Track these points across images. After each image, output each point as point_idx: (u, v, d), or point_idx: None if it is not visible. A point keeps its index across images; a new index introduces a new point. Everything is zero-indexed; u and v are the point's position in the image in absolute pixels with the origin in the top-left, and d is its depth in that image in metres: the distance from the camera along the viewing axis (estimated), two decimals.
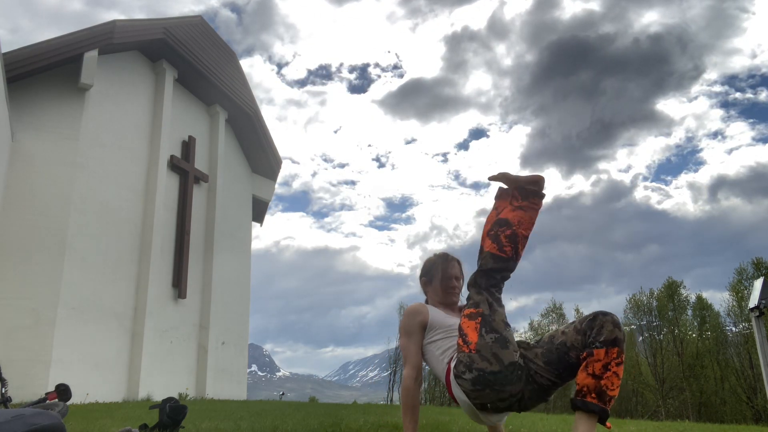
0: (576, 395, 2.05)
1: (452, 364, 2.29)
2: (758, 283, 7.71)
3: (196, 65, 14.65)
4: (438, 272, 2.66)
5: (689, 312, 33.75)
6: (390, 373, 43.51)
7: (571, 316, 38.73)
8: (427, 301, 2.72)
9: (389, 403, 34.76)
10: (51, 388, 7.54)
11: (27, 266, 10.51)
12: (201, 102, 16.08)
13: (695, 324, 33.44)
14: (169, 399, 3.99)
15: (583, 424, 1.99)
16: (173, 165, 14.17)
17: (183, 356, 13.66)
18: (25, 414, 1.52)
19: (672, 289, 33.64)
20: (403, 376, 2.48)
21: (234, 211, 17.12)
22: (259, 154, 18.32)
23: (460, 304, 2.69)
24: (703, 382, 30.67)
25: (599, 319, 2.09)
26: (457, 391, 2.22)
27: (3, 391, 4.97)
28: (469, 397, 2.17)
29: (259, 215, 19.35)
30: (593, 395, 2.00)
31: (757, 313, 7.51)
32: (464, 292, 2.61)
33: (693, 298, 34.09)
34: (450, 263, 2.68)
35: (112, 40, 12.01)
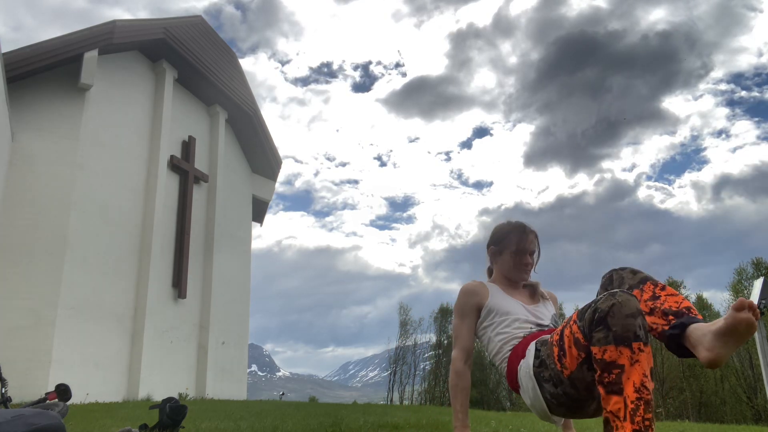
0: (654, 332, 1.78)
1: (527, 360, 2.02)
2: (758, 283, 7.71)
3: (196, 65, 14.65)
4: (511, 244, 2.37)
5: None
6: (390, 373, 43.56)
7: None
8: (490, 271, 2.48)
9: (389, 403, 34.77)
10: (51, 388, 7.53)
11: (27, 266, 10.51)
12: (201, 102, 16.09)
13: None
14: (169, 399, 3.99)
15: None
16: (173, 165, 14.17)
17: (183, 356, 13.67)
18: (25, 414, 1.52)
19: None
20: (452, 357, 2.31)
21: (234, 211, 17.13)
22: (259, 154, 18.33)
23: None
24: (703, 382, 30.69)
25: (614, 275, 1.94)
26: (530, 390, 2.01)
27: (3, 391, 4.96)
28: (544, 402, 1.97)
29: (259, 215, 19.36)
30: (671, 317, 1.74)
31: None
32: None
33: (693, 297, 34.13)
34: (527, 236, 2.38)
35: (112, 40, 12.02)
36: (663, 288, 1.83)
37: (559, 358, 1.86)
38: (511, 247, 2.35)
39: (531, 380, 1.98)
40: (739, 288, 30.34)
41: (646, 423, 1.55)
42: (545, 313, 2.28)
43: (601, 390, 1.64)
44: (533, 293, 2.39)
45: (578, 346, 1.77)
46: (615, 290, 1.72)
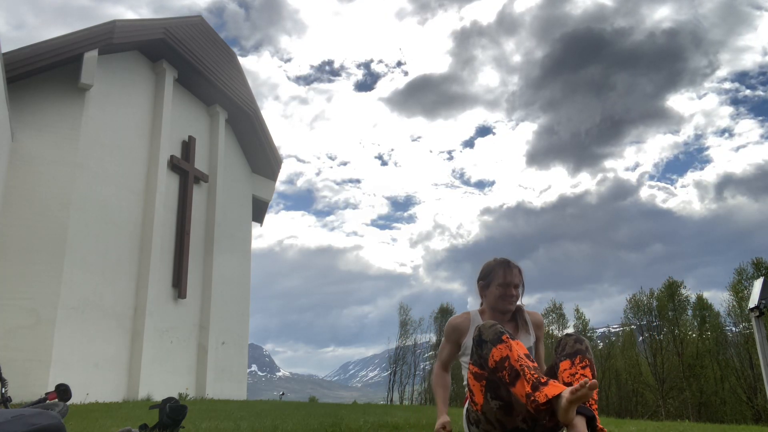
0: None
1: (467, 404, 2.47)
2: (758, 283, 7.71)
3: (196, 65, 14.65)
4: (497, 278, 2.66)
5: (689, 312, 33.76)
6: (390, 373, 43.56)
7: (571, 316, 38.70)
8: (482, 304, 2.78)
9: (389, 403, 34.76)
10: (51, 388, 7.53)
11: (27, 266, 10.50)
12: (201, 102, 16.08)
13: (695, 324, 33.44)
14: (169, 399, 3.99)
15: (574, 428, 2.00)
16: (173, 165, 14.17)
17: (183, 356, 13.66)
18: (25, 414, 1.52)
19: (672, 289, 33.64)
20: (434, 367, 2.85)
21: (234, 211, 17.13)
22: (259, 154, 18.33)
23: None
24: (703, 382, 30.66)
25: (563, 339, 2.36)
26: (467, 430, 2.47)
27: (3, 391, 4.97)
28: None
29: (259, 215, 19.36)
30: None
31: (757, 313, 7.51)
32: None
33: (693, 298, 34.11)
34: (510, 270, 2.66)
35: (112, 40, 12.01)
36: (584, 367, 2.23)
37: (471, 399, 2.31)
38: (497, 280, 2.66)
39: (465, 421, 2.44)
40: (739, 288, 30.32)
41: (536, 376, 1.99)
42: None
43: (513, 390, 2.05)
44: (516, 326, 2.70)
45: (477, 377, 2.25)
46: (479, 324, 2.30)
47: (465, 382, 2.60)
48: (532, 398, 1.95)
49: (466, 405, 2.43)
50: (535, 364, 2.08)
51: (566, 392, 1.90)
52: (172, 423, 3.77)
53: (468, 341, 2.60)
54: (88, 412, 6.84)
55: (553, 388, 1.93)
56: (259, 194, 18.78)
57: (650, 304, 34.17)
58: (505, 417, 2.16)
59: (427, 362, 43.27)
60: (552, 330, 36.45)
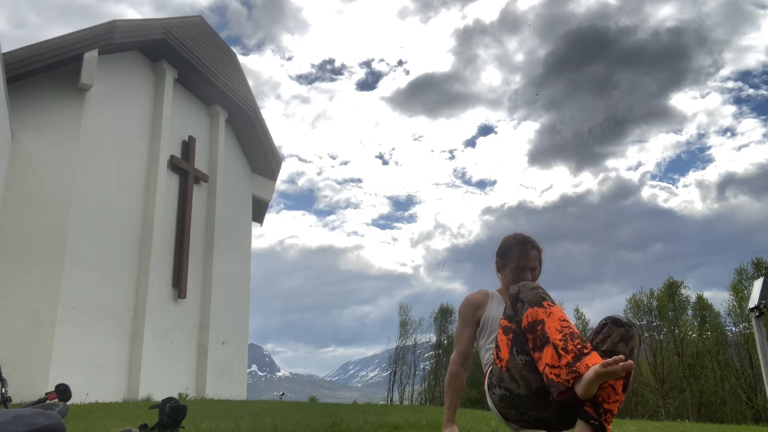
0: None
1: (490, 368, 2.27)
2: (758, 283, 7.71)
3: (196, 65, 14.65)
4: (511, 261, 2.49)
5: (689, 312, 33.76)
6: (390, 374, 43.57)
7: (570, 317, 38.60)
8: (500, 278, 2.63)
9: (389, 403, 34.77)
10: (51, 388, 7.53)
11: (27, 266, 10.51)
12: (201, 102, 16.09)
13: (695, 324, 33.44)
14: (169, 399, 3.99)
15: (579, 430, 1.90)
16: (173, 165, 14.17)
17: (183, 356, 13.66)
18: (25, 414, 1.52)
19: (672, 289, 33.63)
20: (451, 359, 2.54)
21: (234, 211, 17.13)
22: (259, 154, 18.34)
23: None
24: (703, 382, 30.66)
25: (609, 327, 2.00)
26: (489, 400, 2.22)
27: (3, 391, 4.96)
28: (497, 409, 2.16)
29: (259, 215, 19.36)
30: (588, 403, 1.90)
31: (757, 313, 7.51)
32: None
33: (693, 298, 34.11)
34: (528, 253, 2.48)
35: (112, 40, 12.01)
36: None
37: (497, 355, 2.14)
38: (512, 263, 2.50)
39: (487, 391, 2.22)
40: (739, 288, 30.32)
41: (579, 346, 1.84)
42: None
43: (535, 355, 1.92)
44: None
45: (505, 330, 2.10)
46: (522, 283, 2.15)
47: (484, 363, 2.44)
48: (573, 369, 1.80)
49: (488, 372, 2.27)
50: (578, 332, 1.92)
51: (598, 365, 1.78)
52: (172, 423, 3.77)
53: (487, 314, 2.46)
54: (88, 412, 6.84)
55: (594, 358, 1.80)
56: (259, 194, 18.78)
57: (650, 304, 34.17)
58: (530, 374, 1.98)
59: (427, 362, 43.26)
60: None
